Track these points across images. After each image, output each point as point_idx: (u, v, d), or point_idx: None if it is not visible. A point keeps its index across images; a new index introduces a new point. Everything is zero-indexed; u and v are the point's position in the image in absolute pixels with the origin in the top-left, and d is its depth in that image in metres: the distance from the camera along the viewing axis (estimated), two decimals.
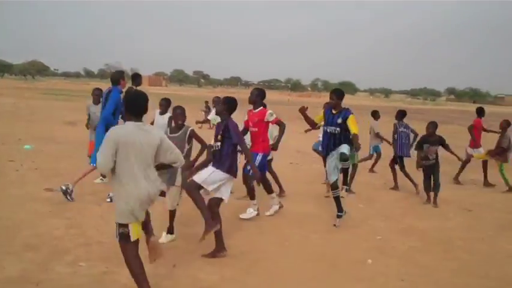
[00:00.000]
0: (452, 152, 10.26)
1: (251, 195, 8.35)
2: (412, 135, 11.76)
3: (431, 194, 10.30)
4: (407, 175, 11.44)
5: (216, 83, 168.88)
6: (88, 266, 5.70)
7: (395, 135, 11.53)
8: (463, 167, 12.92)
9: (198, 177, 6.32)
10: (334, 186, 8.05)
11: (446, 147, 10.24)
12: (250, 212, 8.32)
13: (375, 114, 13.31)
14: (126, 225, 4.68)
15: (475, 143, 12.88)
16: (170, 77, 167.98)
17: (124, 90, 8.58)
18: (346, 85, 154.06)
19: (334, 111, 8.01)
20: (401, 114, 11.85)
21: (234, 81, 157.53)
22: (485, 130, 13.21)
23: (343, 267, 6.34)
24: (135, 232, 4.75)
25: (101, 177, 10.15)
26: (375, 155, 13.43)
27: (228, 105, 6.72)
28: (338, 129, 7.88)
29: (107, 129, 7.72)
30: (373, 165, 13.78)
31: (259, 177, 7.44)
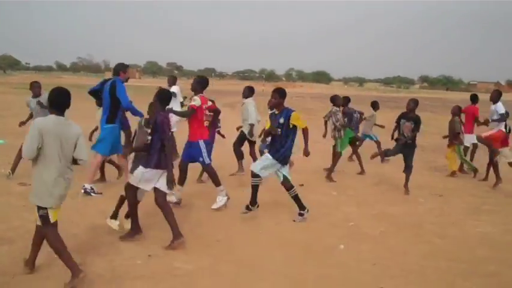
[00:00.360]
0: (415, 135, 10.00)
1: (215, 182, 8.27)
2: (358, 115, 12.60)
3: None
4: (358, 154, 12.31)
5: (190, 74, 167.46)
6: None
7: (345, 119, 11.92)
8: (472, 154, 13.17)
9: (133, 180, 6.45)
10: (288, 186, 7.84)
11: (415, 127, 9.93)
12: (220, 200, 8.28)
13: (375, 105, 13.81)
14: (45, 208, 5.01)
15: (470, 130, 12.70)
16: (144, 69, 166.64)
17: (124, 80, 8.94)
18: (321, 74, 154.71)
19: (276, 112, 7.88)
20: (346, 100, 12.34)
21: (208, 73, 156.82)
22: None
23: (317, 253, 6.46)
24: (54, 215, 5.12)
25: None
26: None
27: (159, 97, 6.72)
28: (279, 130, 7.71)
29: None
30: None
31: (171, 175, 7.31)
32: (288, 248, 6.58)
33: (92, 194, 8.63)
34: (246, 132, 10.79)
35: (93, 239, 6.54)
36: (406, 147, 10.14)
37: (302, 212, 7.94)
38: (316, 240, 7.00)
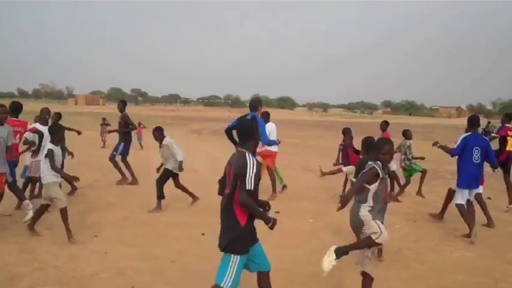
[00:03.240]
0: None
1: (19, 197, 8.66)
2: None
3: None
4: None
5: (154, 100, 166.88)
6: None
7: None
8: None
9: None
10: None
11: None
12: (28, 214, 8.14)
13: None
14: None
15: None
16: (107, 96, 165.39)
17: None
18: (285, 100, 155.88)
19: None
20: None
21: (173, 99, 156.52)
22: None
23: (301, 281, 6.48)
24: None
25: None
26: None
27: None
28: None
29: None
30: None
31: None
32: (272, 278, 6.53)
33: None
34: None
35: (73, 270, 6.42)
36: None
37: None
38: (298, 268, 7.01)
